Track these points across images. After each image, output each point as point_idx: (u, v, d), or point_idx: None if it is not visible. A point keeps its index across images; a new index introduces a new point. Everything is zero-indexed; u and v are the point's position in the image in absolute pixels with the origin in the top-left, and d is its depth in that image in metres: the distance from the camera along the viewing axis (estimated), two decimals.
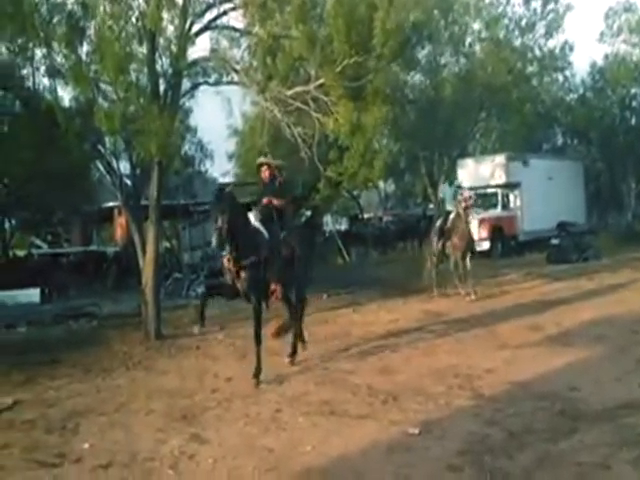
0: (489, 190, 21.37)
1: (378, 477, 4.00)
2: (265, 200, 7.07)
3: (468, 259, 11.78)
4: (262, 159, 7.44)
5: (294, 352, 7.27)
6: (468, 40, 24.03)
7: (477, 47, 24.01)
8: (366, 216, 30.08)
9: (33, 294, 13.65)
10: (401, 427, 4.78)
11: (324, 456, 4.32)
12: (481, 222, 20.15)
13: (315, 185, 15.02)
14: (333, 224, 27.06)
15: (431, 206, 26.75)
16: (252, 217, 7.09)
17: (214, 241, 6.19)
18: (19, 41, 9.31)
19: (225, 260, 6.46)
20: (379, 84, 9.90)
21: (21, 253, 20.74)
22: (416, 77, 23.11)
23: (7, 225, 20.59)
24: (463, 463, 4.08)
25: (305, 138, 8.95)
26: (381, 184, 29.42)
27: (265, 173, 7.29)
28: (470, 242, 11.93)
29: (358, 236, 25.51)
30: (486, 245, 19.98)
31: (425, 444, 4.44)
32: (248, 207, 17.40)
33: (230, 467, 4.24)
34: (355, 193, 25.56)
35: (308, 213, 20.04)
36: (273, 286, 6.70)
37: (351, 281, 14.86)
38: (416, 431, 4.65)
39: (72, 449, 4.75)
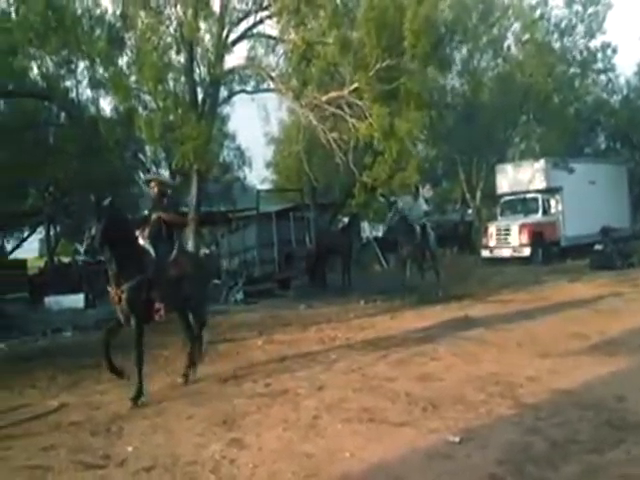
0: (529, 195, 21.01)
1: None
2: (154, 216, 6.96)
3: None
4: (150, 176, 7.36)
5: (187, 373, 7.15)
6: (507, 43, 23.76)
7: (516, 50, 23.72)
8: None
9: (77, 299, 14.03)
10: (441, 435, 4.73)
11: (363, 462, 4.31)
12: (521, 228, 19.82)
13: (351, 191, 15.03)
14: (370, 231, 26.98)
15: (469, 211, 26.47)
16: (140, 237, 6.85)
17: (83, 247, 6.09)
18: (63, 54, 9.61)
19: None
20: (413, 87, 9.85)
21: (65, 260, 21.30)
22: (453, 81, 22.98)
23: (52, 232, 21.19)
24: (505, 473, 4.01)
25: (340, 144, 8.98)
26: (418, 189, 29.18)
27: (154, 189, 7.22)
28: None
29: (396, 243, 25.30)
30: (527, 251, 19.63)
31: (465, 452, 4.39)
32: (286, 213, 17.55)
33: (270, 472, 4.26)
34: (392, 199, 25.48)
35: (345, 220, 20.07)
36: (157, 305, 6.60)
37: (389, 287, 14.78)
38: (456, 439, 4.59)
39: (116, 452, 4.84)
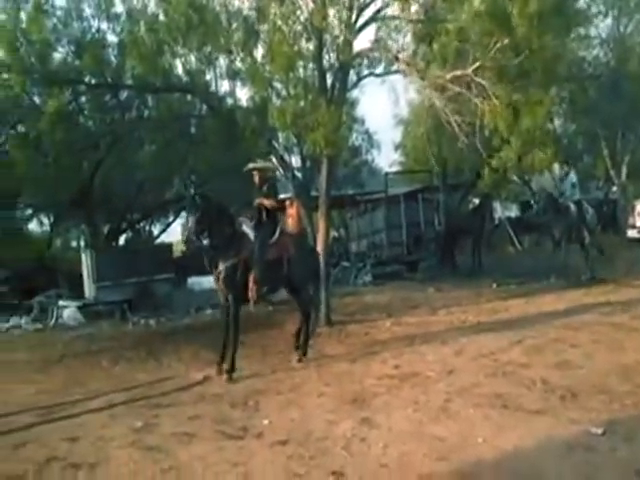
0: None
1: (557, 475, 3.80)
2: (256, 202, 7.26)
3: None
4: (251, 165, 7.58)
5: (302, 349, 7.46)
6: None
7: None
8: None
9: None
10: (582, 426, 4.48)
11: (497, 449, 4.19)
12: None
13: (480, 172, 14.44)
14: (502, 211, 25.91)
15: (614, 189, 24.54)
16: (243, 221, 7.27)
17: (181, 238, 6.60)
18: (204, 49, 10.16)
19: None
20: (538, 63, 9.19)
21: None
22: (596, 50, 21.30)
23: None
24: None
25: (463, 126, 8.64)
26: (556, 167, 27.53)
27: (256, 178, 7.43)
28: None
29: (530, 223, 24.15)
30: None
31: (610, 445, 4.12)
32: (415, 194, 17.37)
33: (400, 453, 4.28)
34: (526, 178, 24.25)
35: (476, 201, 19.49)
36: (250, 285, 6.85)
37: (523, 270, 14.17)
38: (599, 431, 4.33)
39: (254, 424, 5.09)
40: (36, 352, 9.09)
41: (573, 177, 12.60)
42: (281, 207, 7.35)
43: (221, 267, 6.88)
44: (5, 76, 10.14)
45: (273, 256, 7.07)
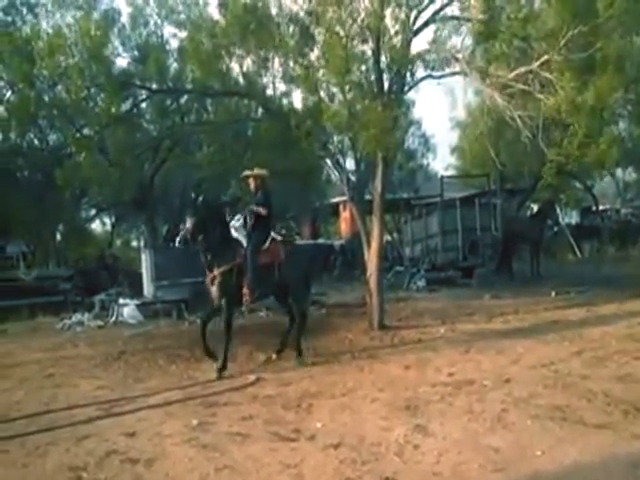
0: None
1: None
2: (248, 209, 7.63)
3: None
4: (247, 172, 7.82)
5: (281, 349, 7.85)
6: None
7: None
8: (601, 208, 27.44)
9: None
10: None
11: (556, 463, 4.05)
12: None
13: (541, 176, 14.00)
14: (562, 217, 25.20)
15: None
16: (236, 227, 7.65)
17: (178, 238, 7.17)
18: (260, 53, 10.31)
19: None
20: (611, 51, 8.79)
21: None
22: None
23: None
24: None
25: (527, 121, 8.42)
26: (619, 173, 26.56)
27: (251, 185, 7.73)
28: None
29: (591, 230, 23.40)
30: None
31: None
32: (472, 199, 17.08)
33: (455, 462, 4.20)
34: (589, 183, 23.45)
35: (534, 207, 19.06)
36: (244, 290, 7.14)
37: (584, 279, 13.71)
38: None
39: (306, 426, 5.10)
40: (97, 348, 9.42)
41: None
42: (265, 215, 7.56)
43: (216, 272, 7.18)
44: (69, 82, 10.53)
45: (264, 262, 7.35)
